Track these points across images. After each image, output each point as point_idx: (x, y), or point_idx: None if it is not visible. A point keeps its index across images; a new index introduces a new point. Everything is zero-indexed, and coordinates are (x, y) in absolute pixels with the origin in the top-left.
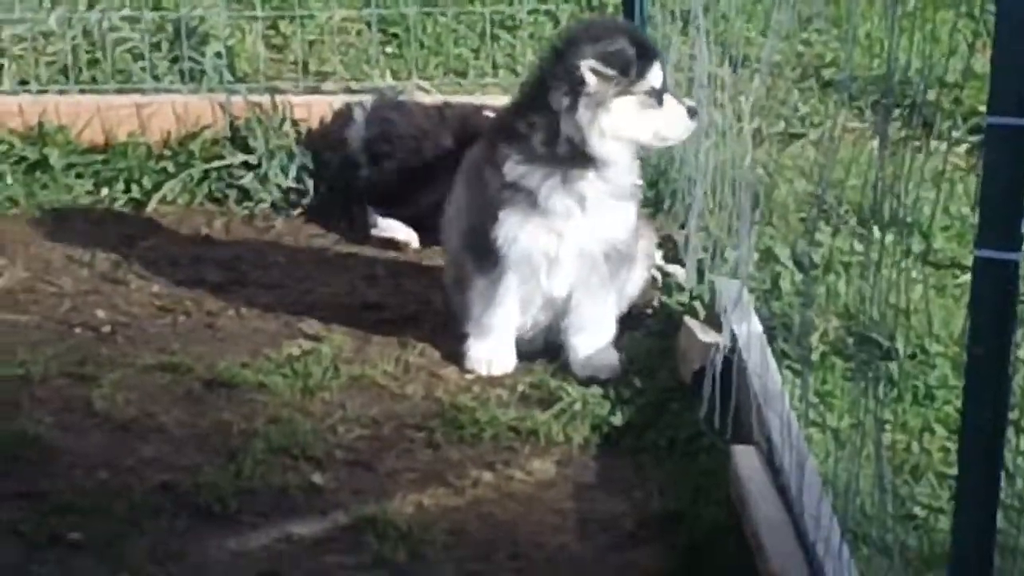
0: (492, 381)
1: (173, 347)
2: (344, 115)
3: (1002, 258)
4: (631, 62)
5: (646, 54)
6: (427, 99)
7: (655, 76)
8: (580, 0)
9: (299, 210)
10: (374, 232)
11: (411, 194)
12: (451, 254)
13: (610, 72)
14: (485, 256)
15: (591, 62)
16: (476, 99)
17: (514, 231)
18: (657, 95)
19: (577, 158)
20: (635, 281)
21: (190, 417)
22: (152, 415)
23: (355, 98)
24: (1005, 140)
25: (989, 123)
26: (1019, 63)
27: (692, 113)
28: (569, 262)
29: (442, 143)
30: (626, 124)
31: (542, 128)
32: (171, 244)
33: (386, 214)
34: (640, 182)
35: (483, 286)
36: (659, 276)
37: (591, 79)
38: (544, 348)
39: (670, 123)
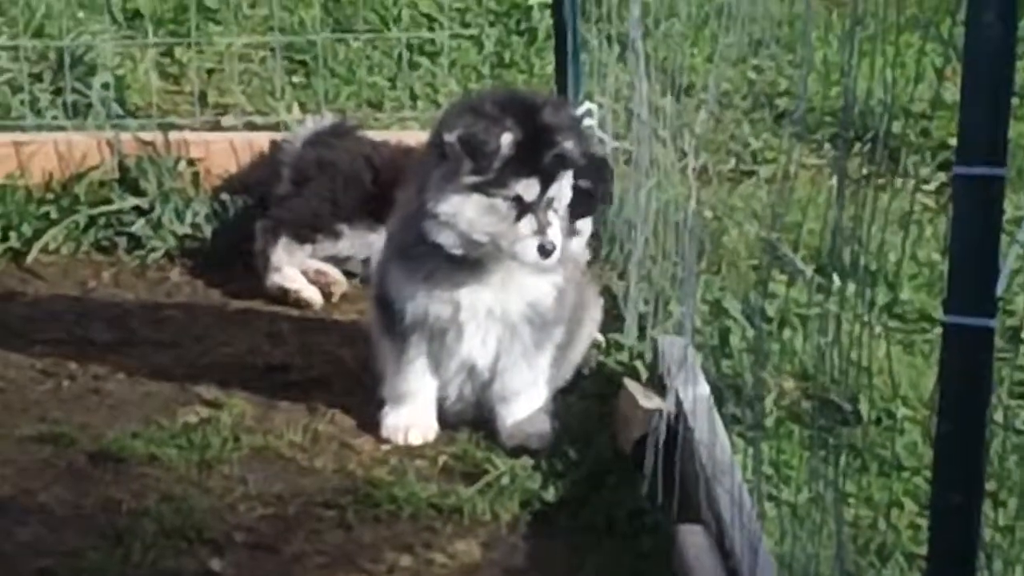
0: (411, 452)
1: (55, 415)
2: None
3: (975, 324)
4: (492, 156)
5: (530, 162)
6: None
7: (526, 189)
8: (507, 23)
9: (196, 259)
10: (275, 279)
11: (332, 225)
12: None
13: (462, 156)
14: (390, 315)
15: (453, 136)
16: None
17: (405, 291)
18: (520, 207)
19: None
20: (579, 349)
21: (73, 495)
22: (30, 493)
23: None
24: (975, 191)
25: (957, 173)
26: (991, 101)
27: (545, 252)
28: (478, 328)
29: (366, 183)
30: (461, 219)
31: (416, 190)
32: (54, 299)
33: (298, 251)
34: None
35: (391, 347)
36: (600, 336)
37: (449, 154)
38: (472, 420)
39: (512, 245)
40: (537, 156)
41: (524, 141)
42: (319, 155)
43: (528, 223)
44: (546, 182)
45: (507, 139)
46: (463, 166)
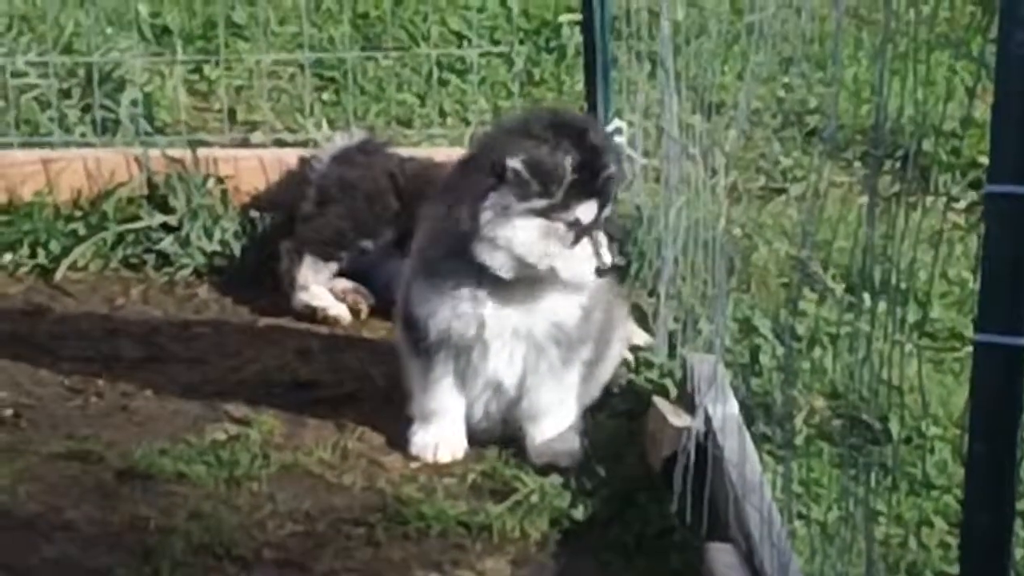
0: (440, 469)
1: (83, 432)
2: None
3: (1006, 343)
4: (560, 180)
5: (587, 185)
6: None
7: (585, 212)
8: (537, 41)
9: (224, 277)
10: (302, 297)
11: (356, 243)
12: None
13: (530, 181)
14: (415, 332)
15: (517, 161)
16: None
17: (429, 308)
18: (578, 231)
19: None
20: (607, 366)
21: (101, 512)
22: (58, 510)
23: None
24: (1008, 210)
25: (989, 191)
26: (1022, 119)
27: (600, 272)
28: (503, 346)
29: (388, 200)
30: (520, 243)
31: (453, 209)
32: (82, 316)
33: (323, 269)
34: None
35: (418, 365)
36: (629, 355)
37: (511, 179)
38: (501, 437)
39: (569, 267)
40: (593, 179)
41: (581, 164)
42: (341, 174)
43: (584, 245)
44: (603, 204)
45: (570, 163)
46: (529, 190)
